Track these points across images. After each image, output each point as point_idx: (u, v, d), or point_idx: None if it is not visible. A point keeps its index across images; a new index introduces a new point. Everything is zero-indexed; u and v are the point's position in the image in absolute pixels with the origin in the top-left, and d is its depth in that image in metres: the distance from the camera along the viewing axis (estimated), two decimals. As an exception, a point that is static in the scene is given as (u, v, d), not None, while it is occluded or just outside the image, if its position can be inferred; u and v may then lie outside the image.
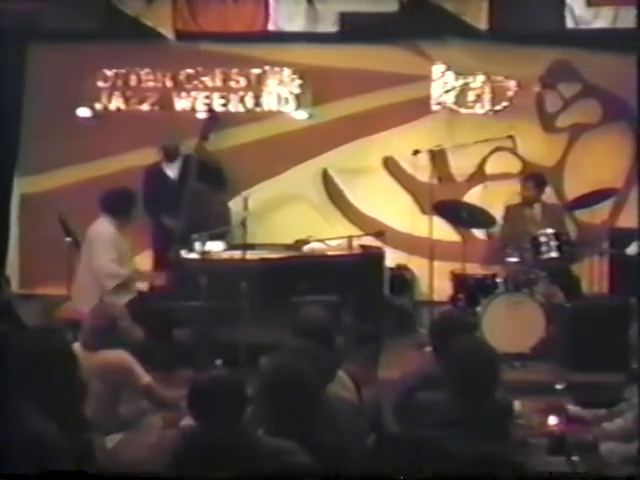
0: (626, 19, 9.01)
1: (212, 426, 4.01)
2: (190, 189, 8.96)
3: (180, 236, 8.67)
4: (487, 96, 9.76)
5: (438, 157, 9.58)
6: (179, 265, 8.31)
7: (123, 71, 9.90)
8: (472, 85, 9.77)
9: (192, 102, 9.92)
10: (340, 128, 9.78)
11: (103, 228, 8.03)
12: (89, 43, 9.63)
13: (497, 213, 9.03)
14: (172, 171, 9.25)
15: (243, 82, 9.91)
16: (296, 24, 9.48)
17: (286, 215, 9.79)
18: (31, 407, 4.12)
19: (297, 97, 9.88)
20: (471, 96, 9.79)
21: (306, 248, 8.80)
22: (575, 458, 5.08)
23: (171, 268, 8.40)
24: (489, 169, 9.81)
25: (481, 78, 9.74)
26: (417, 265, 9.54)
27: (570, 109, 9.79)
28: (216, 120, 9.65)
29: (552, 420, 5.35)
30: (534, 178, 9.15)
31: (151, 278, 8.53)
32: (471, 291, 8.75)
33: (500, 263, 8.81)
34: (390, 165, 9.88)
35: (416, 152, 9.43)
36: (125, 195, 8.20)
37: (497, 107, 9.74)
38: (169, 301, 7.91)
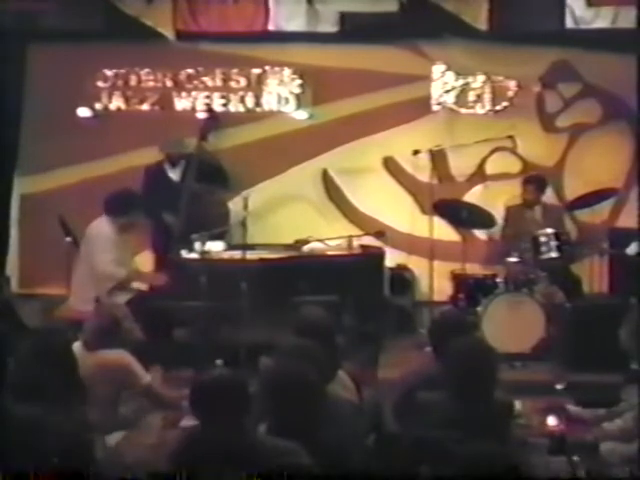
0: (626, 19, 9.01)
1: (213, 426, 4.01)
2: (189, 189, 8.96)
3: (180, 236, 8.67)
4: (487, 96, 9.75)
5: (438, 157, 9.58)
6: (179, 265, 8.32)
7: (123, 71, 9.90)
8: (472, 85, 9.77)
9: (192, 102, 9.91)
10: (340, 128, 9.77)
11: (102, 228, 8.05)
12: (89, 43, 9.63)
13: (497, 213, 9.05)
14: (175, 174, 9.24)
15: (243, 82, 9.90)
16: (296, 24, 9.48)
17: (286, 215, 9.79)
18: (31, 407, 4.12)
19: (297, 97, 9.87)
20: (471, 96, 9.78)
21: (306, 248, 8.80)
22: (575, 458, 5.08)
23: (171, 268, 8.40)
24: (489, 169, 9.81)
25: (481, 78, 9.74)
26: (417, 265, 9.54)
27: (570, 109, 9.78)
28: (216, 120, 9.64)
29: (552, 420, 5.35)
30: (535, 181, 9.14)
31: (151, 278, 8.52)
32: (471, 291, 8.75)
33: (500, 263, 8.81)
34: (390, 165, 9.87)
35: (416, 152, 9.44)
36: (126, 196, 8.22)
37: (497, 107, 9.74)
38: (169, 301, 7.91)
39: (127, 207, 8.11)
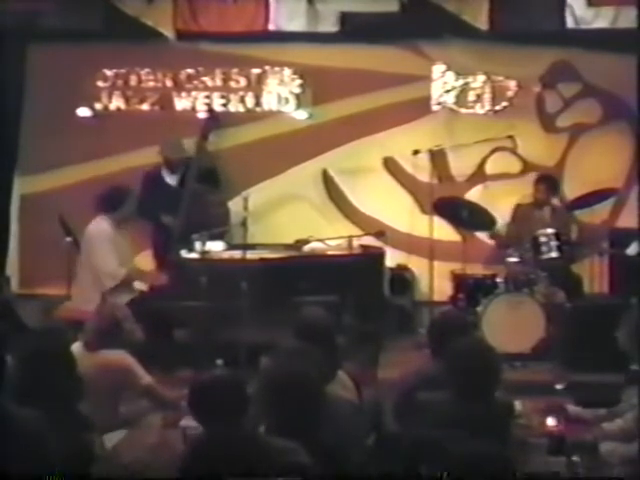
0: (626, 19, 9.01)
1: (213, 426, 4.01)
2: (189, 189, 8.96)
3: (180, 236, 8.67)
4: (487, 96, 9.75)
5: (438, 157, 9.58)
6: (179, 265, 8.32)
7: (123, 71, 9.90)
8: (472, 85, 9.77)
9: (192, 102, 9.91)
10: (340, 128, 9.77)
11: (101, 226, 8.08)
12: (89, 43, 9.63)
13: (497, 213, 9.04)
14: (172, 180, 9.23)
15: (243, 82, 9.90)
16: (296, 24, 9.47)
17: (286, 215, 9.79)
18: (31, 407, 4.12)
19: (297, 97, 9.88)
20: (471, 96, 9.78)
21: (306, 248, 8.80)
22: (575, 458, 5.08)
23: (171, 268, 8.41)
24: (489, 169, 9.81)
25: (481, 78, 9.74)
26: (417, 265, 9.54)
27: (570, 109, 9.78)
28: (216, 120, 9.65)
29: (552, 420, 5.35)
30: (547, 180, 9.14)
31: (151, 278, 8.52)
32: (471, 291, 8.77)
33: (500, 263, 8.81)
34: (390, 165, 9.87)
35: (416, 152, 9.44)
36: (117, 191, 8.24)
37: (497, 107, 9.74)
38: (169, 301, 7.91)
39: (119, 202, 8.13)
